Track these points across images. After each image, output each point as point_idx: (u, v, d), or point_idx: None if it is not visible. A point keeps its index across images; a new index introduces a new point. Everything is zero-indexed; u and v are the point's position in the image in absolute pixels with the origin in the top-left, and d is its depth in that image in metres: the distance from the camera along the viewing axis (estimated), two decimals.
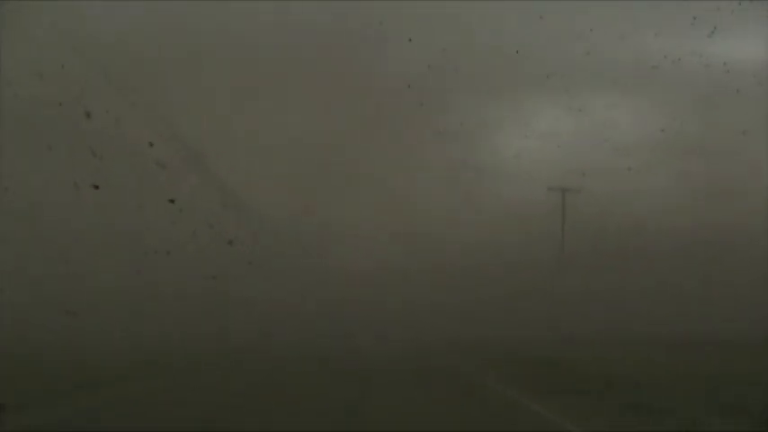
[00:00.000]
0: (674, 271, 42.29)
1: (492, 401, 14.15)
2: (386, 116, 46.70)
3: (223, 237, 30.01)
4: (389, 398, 14.35)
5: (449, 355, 27.25)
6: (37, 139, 28.17)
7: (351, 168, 47.89)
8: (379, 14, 37.56)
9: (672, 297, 41.07)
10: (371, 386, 16.24)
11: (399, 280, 44.84)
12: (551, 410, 12.25)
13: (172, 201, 25.03)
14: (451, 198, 47.74)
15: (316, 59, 44.12)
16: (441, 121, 45.89)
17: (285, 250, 44.67)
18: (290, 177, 45.62)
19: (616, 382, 15.97)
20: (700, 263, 41.85)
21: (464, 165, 46.87)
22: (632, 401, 13.09)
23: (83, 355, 21.84)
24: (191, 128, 39.58)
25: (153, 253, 33.72)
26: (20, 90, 26.24)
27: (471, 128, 48.10)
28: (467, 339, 37.07)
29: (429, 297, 45.04)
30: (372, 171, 48.34)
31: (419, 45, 37.15)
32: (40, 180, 29.85)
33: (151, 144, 29.19)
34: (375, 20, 37.78)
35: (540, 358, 23.24)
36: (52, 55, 30.07)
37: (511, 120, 52.38)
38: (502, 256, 44.26)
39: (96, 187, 23.28)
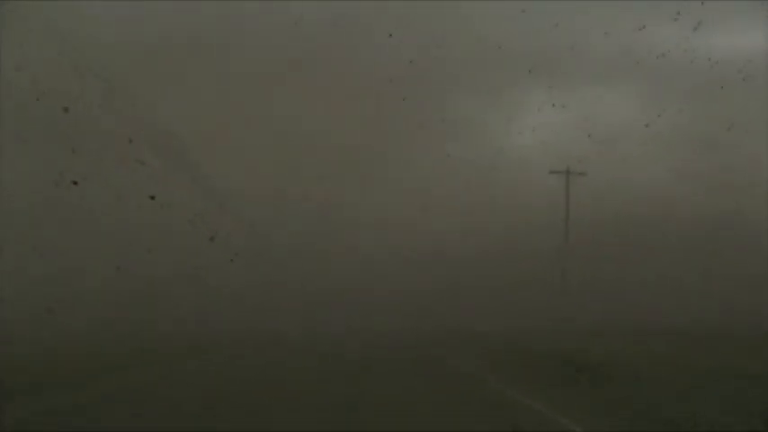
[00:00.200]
0: (674, 264, 42.63)
1: (491, 393, 14.20)
2: (369, 110, 46.78)
3: (204, 233, 29.90)
4: (387, 388, 14.42)
5: (447, 346, 27.33)
6: (14, 134, 27.94)
7: (334, 163, 47.94)
8: (361, 10, 37.63)
9: (672, 290, 41.34)
10: (369, 378, 16.30)
11: (390, 272, 44.95)
12: (550, 402, 12.30)
13: (152, 197, 24.85)
14: (433, 191, 47.99)
15: (297, 55, 44.10)
16: (423, 114, 46.08)
17: (267, 246, 44.59)
18: (271, 173, 45.57)
19: (616, 374, 16.05)
20: (700, 255, 42.16)
21: (446, 158, 47.08)
22: (631, 394, 13.14)
23: (63, 351, 21.69)
24: (171, 124, 39.42)
25: (134, 249, 33.58)
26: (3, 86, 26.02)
27: (453, 122, 48.38)
28: (466, 330, 37.14)
29: (415, 287, 45.19)
30: (356, 165, 48.43)
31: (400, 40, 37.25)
32: (19, 176, 29.60)
33: (131, 140, 29.04)
34: (357, 15, 37.83)
35: (540, 350, 23.35)
36: (32, 51, 29.82)
37: (493, 114, 52.65)
38: (468, 248, 44.64)
39: (75, 183, 23.13)
